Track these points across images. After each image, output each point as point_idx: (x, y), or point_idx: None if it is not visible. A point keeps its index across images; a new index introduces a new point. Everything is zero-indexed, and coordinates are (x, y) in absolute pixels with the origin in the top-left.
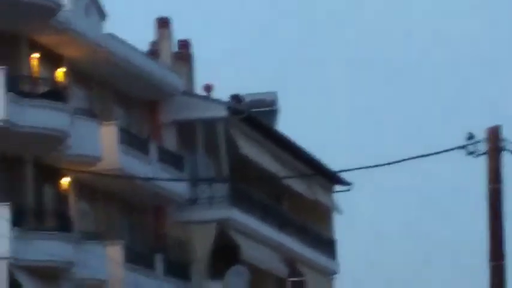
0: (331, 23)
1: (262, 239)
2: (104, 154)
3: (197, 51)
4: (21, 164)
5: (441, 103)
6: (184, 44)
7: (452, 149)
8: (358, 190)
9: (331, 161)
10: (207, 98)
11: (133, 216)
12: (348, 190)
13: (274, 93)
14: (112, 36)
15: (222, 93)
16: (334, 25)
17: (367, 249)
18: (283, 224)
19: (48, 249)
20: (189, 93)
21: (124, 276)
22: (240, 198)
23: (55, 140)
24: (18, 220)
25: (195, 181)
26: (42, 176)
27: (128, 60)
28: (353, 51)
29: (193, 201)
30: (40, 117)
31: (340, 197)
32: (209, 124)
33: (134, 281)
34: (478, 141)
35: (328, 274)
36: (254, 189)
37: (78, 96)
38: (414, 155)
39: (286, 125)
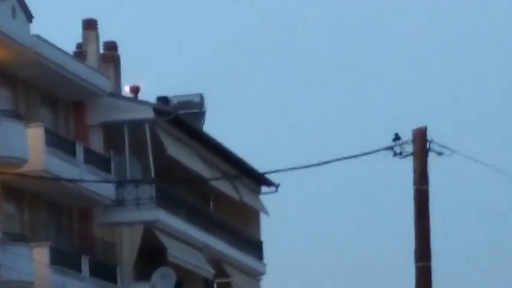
0: (257, 23)
1: (189, 241)
2: (30, 156)
3: (124, 53)
4: None
5: (369, 104)
6: (111, 46)
7: (379, 150)
8: (285, 192)
9: (258, 162)
10: (133, 100)
11: (59, 218)
12: (275, 191)
13: (200, 95)
14: (39, 38)
15: (148, 95)
16: (259, 24)
17: (293, 251)
18: (210, 225)
19: None
20: (116, 94)
21: (50, 278)
22: (166, 200)
23: None
24: None
25: (121, 183)
26: None
27: (55, 62)
28: (278, 51)
29: (120, 203)
30: None
31: (267, 198)
32: (136, 126)
33: (61, 283)
34: (405, 142)
35: (255, 275)
36: (181, 191)
37: (4, 98)
38: (342, 156)
39: (213, 126)
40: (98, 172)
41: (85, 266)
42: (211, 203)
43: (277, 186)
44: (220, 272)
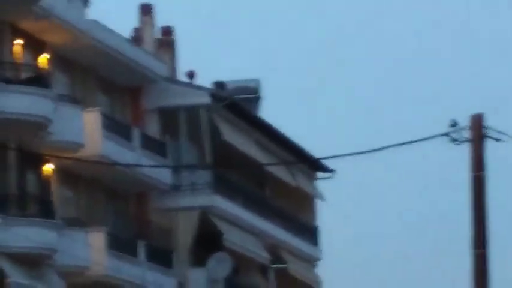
0: (315, 11)
1: (245, 226)
2: (86, 140)
3: (180, 38)
4: (3, 150)
5: (424, 90)
6: (168, 31)
7: (435, 136)
8: (341, 178)
9: (314, 148)
10: (190, 85)
11: (116, 203)
12: (330, 177)
13: (257, 80)
14: (95, 23)
15: (205, 80)
16: (320, 13)
17: (349, 236)
18: (266, 211)
19: (31, 235)
20: (172, 79)
21: (106, 263)
22: (223, 185)
23: (38, 126)
24: (0, 206)
25: (178, 168)
26: (24, 163)
27: (111, 47)
28: (335, 42)
29: (176, 188)
30: (23, 103)
31: (322, 184)
32: (192, 111)
33: (117, 268)
34: (462, 128)
35: (311, 261)
36: (237, 176)
37: (61, 83)
38: (398, 142)
39: (269, 112)
40: (154, 157)
41: (141, 251)
42: (267, 188)
43: (332, 171)
44: (276, 257)
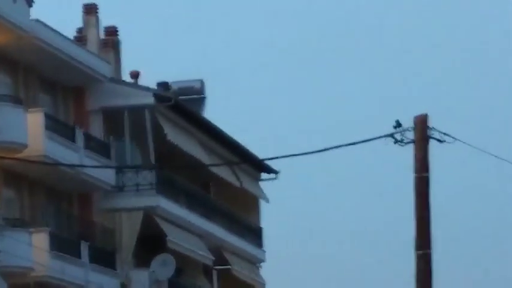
0: (258, 10)
1: (189, 227)
2: (29, 141)
3: (124, 38)
4: None
5: (369, 91)
6: (112, 31)
7: (379, 137)
8: (285, 179)
9: (258, 149)
10: (134, 85)
11: (59, 204)
12: (275, 178)
13: (201, 81)
14: (39, 22)
15: (149, 80)
16: (259, 12)
17: (293, 238)
18: (210, 212)
19: None
20: (116, 80)
21: (50, 264)
22: (167, 186)
23: None
24: None
25: (121, 168)
26: None
27: (55, 47)
28: (273, 37)
29: (119, 189)
30: None
31: (267, 185)
32: (136, 111)
33: (60, 269)
34: (406, 129)
35: (255, 262)
36: (181, 177)
37: (3, 83)
38: (342, 143)
39: (213, 113)
40: (98, 157)
41: (84, 252)
42: (212, 189)
43: (277, 173)
44: (220, 258)
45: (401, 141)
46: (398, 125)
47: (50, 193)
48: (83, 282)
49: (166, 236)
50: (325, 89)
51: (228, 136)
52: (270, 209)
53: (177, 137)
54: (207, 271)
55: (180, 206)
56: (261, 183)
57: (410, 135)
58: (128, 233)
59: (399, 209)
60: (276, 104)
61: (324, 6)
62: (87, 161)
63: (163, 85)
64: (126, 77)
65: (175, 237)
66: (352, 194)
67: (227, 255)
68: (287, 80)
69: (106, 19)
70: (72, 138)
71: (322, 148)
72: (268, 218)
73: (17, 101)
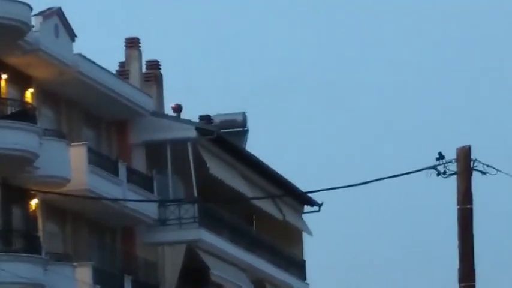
0: (303, 45)
1: (232, 260)
2: (72, 175)
3: (166, 72)
4: None
5: (411, 124)
6: (154, 65)
7: (422, 169)
8: (328, 211)
9: (301, 181)
10: (176, 119)
11: (102, 238)
12: (318, 211)
13: (243, 114)
14: (81, 57)
15: (191, 113)
16: (305, 47)
17: (336, 271)
18: (253, 245)
19: (17, 271)
20: (159, 113)
21: None
22: (209, 220)
23: (24, 160)
24: None
25: (164, 202)
26: (10, 197)
27: (97, 81)
28: (321, 73)
29: (162, 223)
30: (9, 138)
31: (310, 218)
32: (178, 145)
33: None
34: (449, 161)
35: None
36: (224, 211)
37: (47, 117)
38: (384, 176)
39: (255, 145)
40: (141, 191)
41: (127, 286)
42: (254, 222)
43: (320, 205)
44: None
45: (444, 173)
46: (441, 157)
47: (93, 227)
48: None
49: (209, 269)
50: (369, 121)
51: (270, 169)
52: (313, 241)
53: (220, 170)
54: None
55: (223, 239)
56: (304, 216)
57: (453, 167)
58: (171, 267)
59: (443, 242)
60: (318, 136)
61: (368, 39)
62: (130, 195)
63: (206, 118)
64: (168, 110)
65: (218, 271)
66: (395, 226)
67: None
68: (329, 113)
69: (148, 52)
70: (115, 172)
71: (365, 180)
72: (311, 250)
73: (60, 135)
